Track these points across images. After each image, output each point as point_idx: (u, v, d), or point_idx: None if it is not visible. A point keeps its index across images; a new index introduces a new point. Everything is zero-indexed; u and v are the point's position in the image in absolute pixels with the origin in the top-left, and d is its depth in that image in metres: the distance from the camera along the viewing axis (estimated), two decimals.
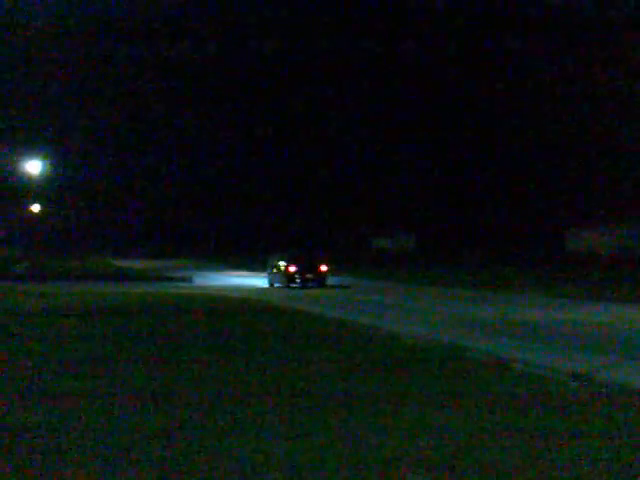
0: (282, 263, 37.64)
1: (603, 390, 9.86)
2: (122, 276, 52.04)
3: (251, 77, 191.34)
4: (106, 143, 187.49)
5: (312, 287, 36.76)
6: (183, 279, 45.79)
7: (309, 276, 37.01)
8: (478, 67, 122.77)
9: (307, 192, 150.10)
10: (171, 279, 46.62)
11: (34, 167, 65.33)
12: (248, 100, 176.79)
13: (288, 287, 36.83)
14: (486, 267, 60.77)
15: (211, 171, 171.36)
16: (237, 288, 37.81)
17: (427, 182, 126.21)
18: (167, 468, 6.39)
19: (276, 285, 38.39)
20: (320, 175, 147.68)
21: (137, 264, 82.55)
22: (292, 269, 36.66)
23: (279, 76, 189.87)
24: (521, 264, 62.96)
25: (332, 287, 37.48)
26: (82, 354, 13.24)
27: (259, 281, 42.75)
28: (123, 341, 15.21)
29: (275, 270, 38.53)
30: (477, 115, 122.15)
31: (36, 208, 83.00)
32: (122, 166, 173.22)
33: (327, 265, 38.26)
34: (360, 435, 7.47)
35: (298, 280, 36.89)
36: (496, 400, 9.13)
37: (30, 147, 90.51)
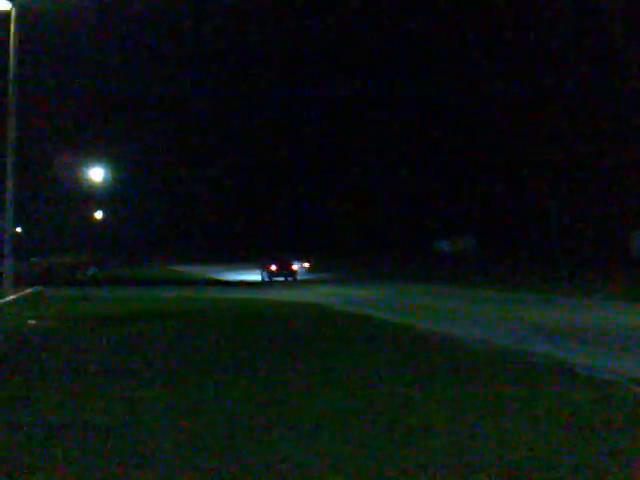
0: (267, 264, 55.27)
1: None
2: (189, 281, 53.15)
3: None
4: (162, 152, 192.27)
5: (287, 280, 52.73)
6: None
7: (285, 272, 53.53)
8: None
9: (367, 196, 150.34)
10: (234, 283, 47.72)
11: (97, 174, 66.72)
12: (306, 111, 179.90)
13: (271, 280, 52.82)
14: (548, 269, 59.66)
15: (262, 182, 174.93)
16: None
17: (488, 184, 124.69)
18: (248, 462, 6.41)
19: (265, 279, 53.86)
20: (381, 179, 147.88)
21: (193, 269, 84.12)
22: (273, 268, 53.68)
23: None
24: (584, 267, 61.53)
25: (388, 290, 37.38)
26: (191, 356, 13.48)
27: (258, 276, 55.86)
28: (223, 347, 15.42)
29: (264, 268, 54.97)
30: (542, 116, 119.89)
31: (99, 215, 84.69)
32: (176, 176, 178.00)
33: (295, 266, 56.19)
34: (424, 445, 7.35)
35: (277, 274, 53.24)
36: (567, 406, 8.91)
37: (93, 154, 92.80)
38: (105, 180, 68.51)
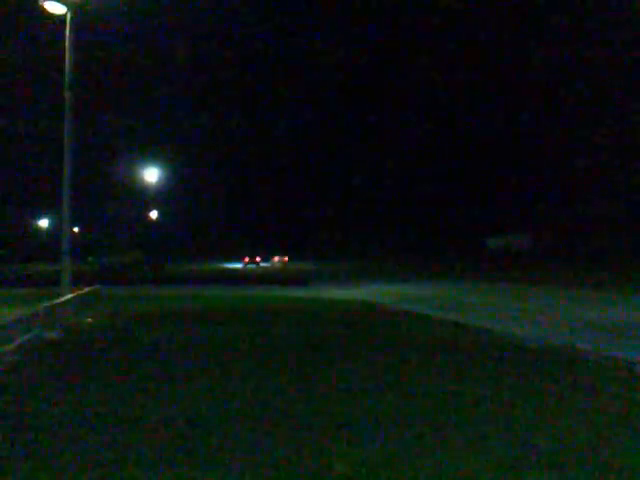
0: (258, 257, 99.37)
1: None
2: (246, 279, 53.40)
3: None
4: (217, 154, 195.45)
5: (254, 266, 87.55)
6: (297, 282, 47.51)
7: (252, 262, 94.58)
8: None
9: (421, 194, 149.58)
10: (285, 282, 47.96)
11: (152, 175, 67.64)
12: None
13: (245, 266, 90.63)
14: (604, 267, 58.36)
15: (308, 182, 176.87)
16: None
17: (543, 181, 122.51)
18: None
19: (242, 266, 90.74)
20: (435, 176, 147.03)
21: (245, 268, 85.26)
22: (258, 259, 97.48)
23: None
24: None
25: (443, 287, 37.02)
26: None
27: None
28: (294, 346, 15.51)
29: (241, 260, 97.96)
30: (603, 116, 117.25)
31: (154, 214, 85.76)
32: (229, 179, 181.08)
33: (258, 258, 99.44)
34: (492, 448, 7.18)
35: (264, 263, 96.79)
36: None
37: (148, 156, 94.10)
38: (160, 180, 69.47)
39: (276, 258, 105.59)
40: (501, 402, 9.03)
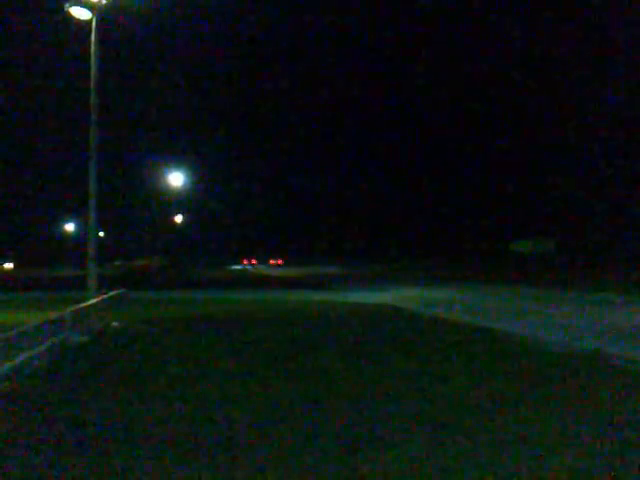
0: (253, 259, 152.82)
1: None
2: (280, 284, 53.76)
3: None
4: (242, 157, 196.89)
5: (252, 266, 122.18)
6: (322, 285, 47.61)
7: (250, 264, 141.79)
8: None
9: (447, 198, 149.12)
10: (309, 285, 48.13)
11: (176, 179, 67.96)
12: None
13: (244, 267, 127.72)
14: (629, 271, 57.63)
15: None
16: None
17: (567, 185, 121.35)
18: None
19: (242, 267, 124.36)
20: (460, 181, 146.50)
21: (274, 272, 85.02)
22: (245, 262, 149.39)
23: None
24: None
25: (467, 291, 36.76)
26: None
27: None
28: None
29: (241, 262, 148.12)
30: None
31: (179, 218, 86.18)
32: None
33: (254, 261, 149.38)
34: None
35: (260, 266, 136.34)
36: None
37: (173, 161, 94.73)
38: (185, 185, 69.77)
39: (272, 261, 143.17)
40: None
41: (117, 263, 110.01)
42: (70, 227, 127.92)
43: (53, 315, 16.49)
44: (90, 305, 20.80)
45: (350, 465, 6.64)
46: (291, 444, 7.36)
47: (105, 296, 24.83)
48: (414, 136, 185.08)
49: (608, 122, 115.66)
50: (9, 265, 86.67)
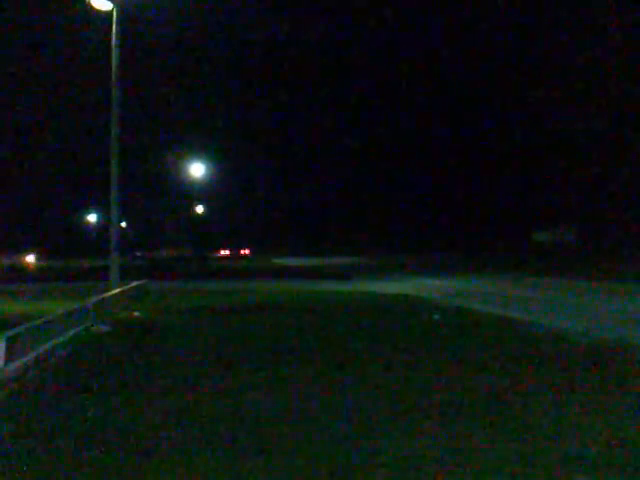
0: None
1: None
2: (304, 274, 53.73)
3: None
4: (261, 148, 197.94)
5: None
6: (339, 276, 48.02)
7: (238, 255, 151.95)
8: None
9: (469, 187, 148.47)
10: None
11: (197, 170, 68.06)
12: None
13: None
14: None
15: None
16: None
17: (589, 173, 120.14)
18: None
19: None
20: (481, 169, 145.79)
21: (293, 262, 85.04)
22: (245, 252, 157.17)
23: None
24: None
25: (488, 281, 36.60)
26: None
27: None
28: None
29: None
30: None
31: (200, 209, 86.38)
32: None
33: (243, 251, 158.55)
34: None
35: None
36: None
37: (194, 151, 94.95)
38: (205, 175, 69.92)
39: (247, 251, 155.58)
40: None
41: (139, 254, 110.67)
42: (92, 218, 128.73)
43: (76, 305, 16.67)
44: (112, 295, 20.99)
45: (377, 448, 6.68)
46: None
47: (127, 286, 25.05)
48: (433, 123, 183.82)
49: (633, 109, 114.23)
50: (31, 257, 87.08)
